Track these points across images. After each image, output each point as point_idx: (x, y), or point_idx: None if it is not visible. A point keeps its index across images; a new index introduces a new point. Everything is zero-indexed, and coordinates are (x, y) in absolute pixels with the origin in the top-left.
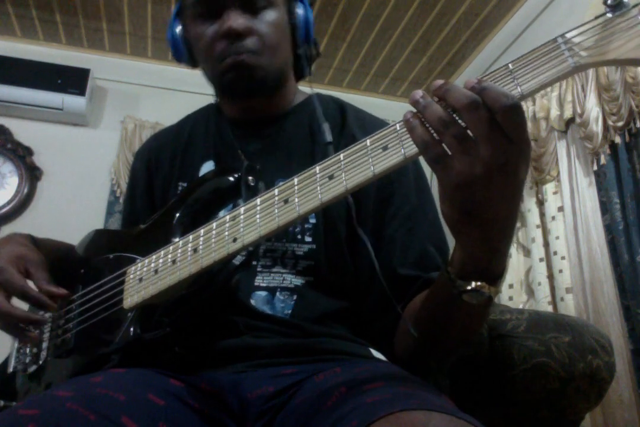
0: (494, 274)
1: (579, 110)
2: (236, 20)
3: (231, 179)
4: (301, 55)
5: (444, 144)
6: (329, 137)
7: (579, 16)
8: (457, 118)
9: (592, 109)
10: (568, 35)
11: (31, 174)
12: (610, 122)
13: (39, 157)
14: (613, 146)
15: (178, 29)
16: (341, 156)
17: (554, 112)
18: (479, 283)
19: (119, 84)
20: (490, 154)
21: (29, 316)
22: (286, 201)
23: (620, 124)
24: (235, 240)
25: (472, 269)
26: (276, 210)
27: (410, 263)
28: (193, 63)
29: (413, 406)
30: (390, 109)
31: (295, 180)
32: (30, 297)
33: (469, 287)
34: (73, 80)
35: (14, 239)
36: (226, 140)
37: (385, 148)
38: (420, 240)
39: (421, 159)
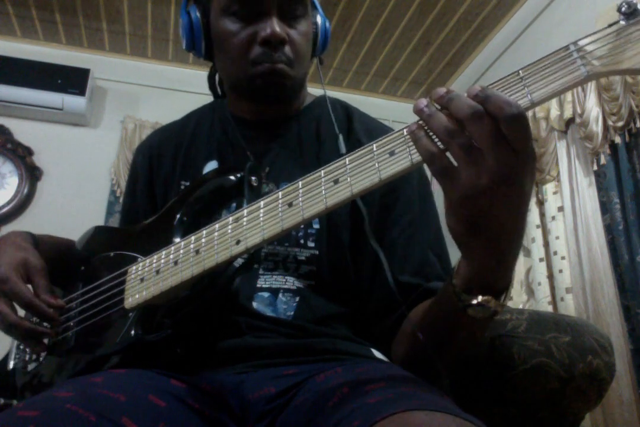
0: (500, 287)
1: (579, 110)
2: (279, 26)
3: (234, 178)
4: (317, 63)
5: (449, 155)
6: (343, 148)
7: (578, 16)
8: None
9: (592, 109)
10: (581, 43)
11: (31, 174)
12: (610, 122)
13: (39, 157)
14: (613, 146)
15: (196, 15)
16: (347, 160)
17: (554, 112)
18: (485, 297)
19: (119, 84)
20: (496, 164)
21: (35, 329)
22: (290, 204)
23: (620, 124)
24: (238, 242)
25: (477, 282)
26: (280, 214)
27: (410, 270)
28: (206, 55)
29: (416, 407)
30: (390, 109)
31: (300, 183)
32: (35, 310)
33: (474, 302)
34: (73, 80)
35: (14, 241)
36: (232, 140)
37: (392, 153)
38: (421, 247)
39: (426, 168)
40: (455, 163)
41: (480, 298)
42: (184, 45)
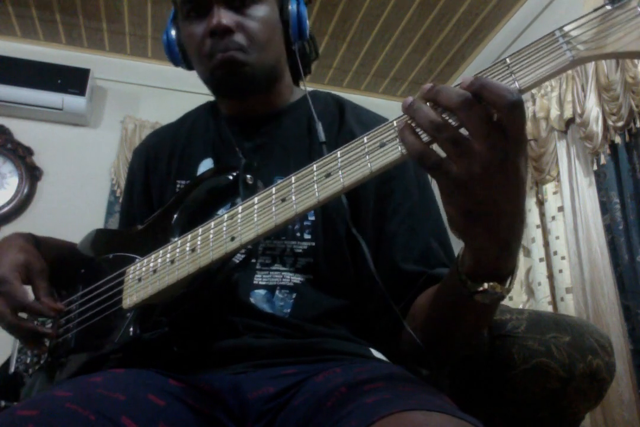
0: (505, 272)
1: (579, 110)
2: (224, 16)
3: (229, 177)
4: (295, 52)
5: (438, 149)
6: (322, 136)
7: (578, 16)
8: (449, 120)
9: (592, 109)
10: (566, 29)
11: (31, 174)
12: (610, 122)
13: (39, 157)
14: (613, 146)
15: (172, 32)
16: (338, 154)
17: (554, 112)
18: (491, 283)
19: (119, 84)
20: (487, 152)
21: (34, 329)
22: (284, 200)
23: (620, 124)
24: (233, 239)
25: (482, 269)
26: (274, 209)
27: (413, 258)
28: (188, 65)
29: (413, 406)
30: (390, 109)
31: (293, 178)
32: (30, 313)
33: (480, 288)
34: (73, 80)
35: (16, 243)
36: (224, 138)
37: (382, 145)
38: (423, 235)
39: None
40: (444, 156)
41: (486, 285)
42: (172, 64)
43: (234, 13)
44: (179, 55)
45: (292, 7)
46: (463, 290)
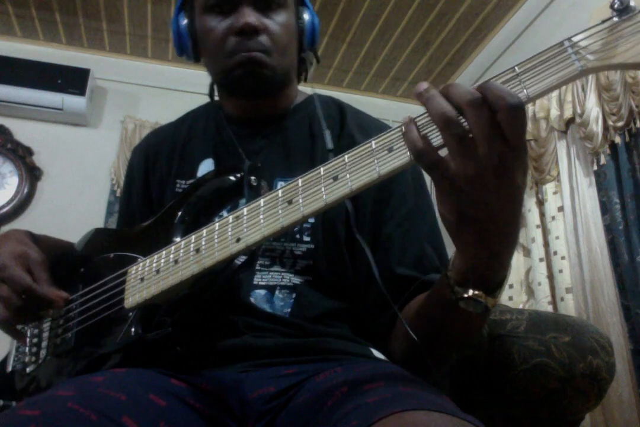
0: (493, 283)
1: (579, 110)
2: (252, 16)
3: (233, 178)
4: (305, 59)
5: (439, 149)
6: (330, 144)
7: (578, 16)
8: (460, 117)
9: (592, 109)
10: (575, 39)
11: (31, 174)
12: (610, 122)
13: (39, 157)
14: (613, 146)
15: (183, 21)
16: (345, 158)
17: (554, 112)
18: (476, 292)
19: (119, 84)
20: (485, 154)
21: (47, 293)
22: (290, 202)
23: (620, 124)
24: (238, 240)
25: (470, 275)
26: (280, 211)
27: (408, 263)
28: (195, 57)
29: (414, 406)
30: (390, 109)
31: (300, 181)
32: (36, 294)
33: (465, 295)
34: (73, 80)
35: (14, 236)
36: (226, 139)
37: (390, 149)
38: (419, 240)
39: None
40: (444, 155)
41: (471, 292)
42: (177, 51)
43: (260, 14)
44: (189, 46)
45: (307, 16)
46: (450, 295)
